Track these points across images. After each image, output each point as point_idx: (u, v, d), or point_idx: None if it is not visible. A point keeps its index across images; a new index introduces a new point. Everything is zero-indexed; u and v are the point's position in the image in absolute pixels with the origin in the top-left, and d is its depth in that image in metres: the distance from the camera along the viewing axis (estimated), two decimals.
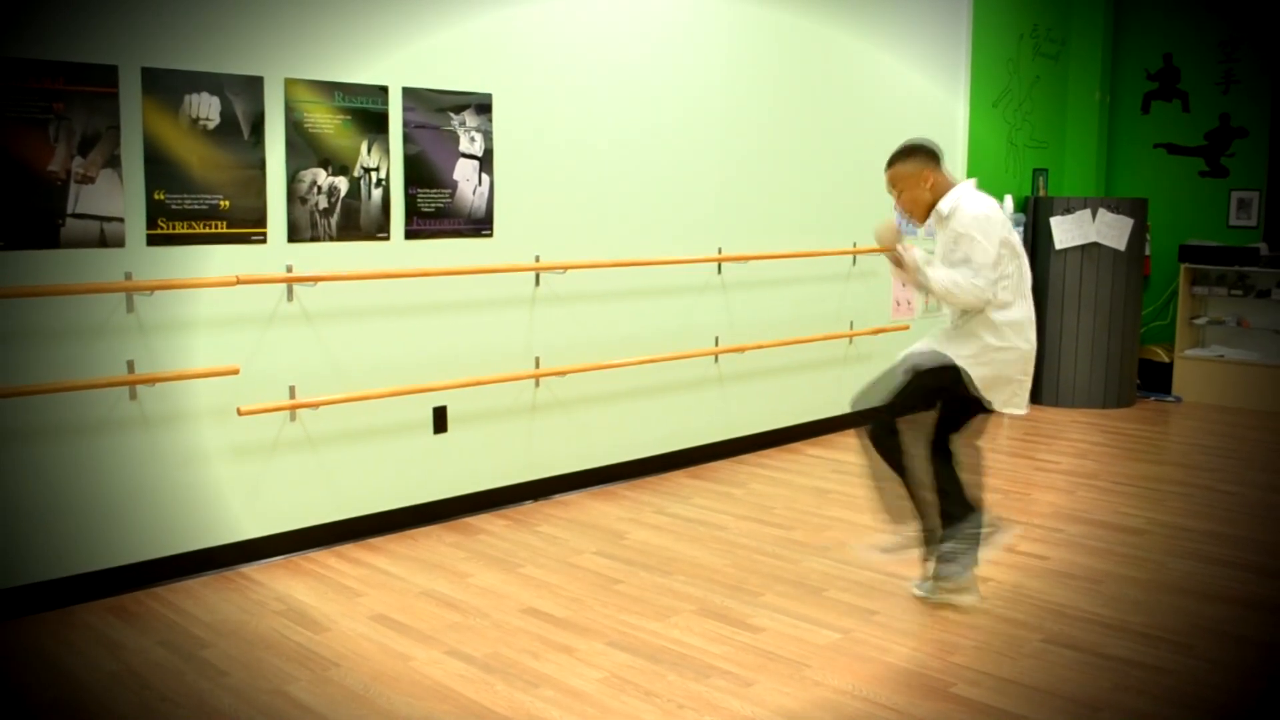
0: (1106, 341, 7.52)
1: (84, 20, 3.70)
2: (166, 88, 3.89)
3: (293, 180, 4.24)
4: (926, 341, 3.88)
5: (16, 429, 3.70)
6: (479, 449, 4.98)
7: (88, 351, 3.81)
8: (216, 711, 3.04)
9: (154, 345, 3.96)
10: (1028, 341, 3.77)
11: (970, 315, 3.75)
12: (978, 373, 3.71)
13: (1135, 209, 7.47)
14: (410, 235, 4.60)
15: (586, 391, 5.36)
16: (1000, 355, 3.71)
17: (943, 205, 3.75)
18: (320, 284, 4.35)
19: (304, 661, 3.37)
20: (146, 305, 3.93)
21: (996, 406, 3.78)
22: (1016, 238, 3.79)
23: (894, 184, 3.83)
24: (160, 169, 3.89)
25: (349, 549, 4.46)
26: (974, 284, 3.64)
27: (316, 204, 4.31)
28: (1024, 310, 3.77)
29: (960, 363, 3.70)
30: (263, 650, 3.46)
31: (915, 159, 3.79)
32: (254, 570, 4.21)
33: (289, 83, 4.19)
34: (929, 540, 3.87)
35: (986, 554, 3.86)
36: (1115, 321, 7.52)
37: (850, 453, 6.14)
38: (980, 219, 3.67)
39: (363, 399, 4.48)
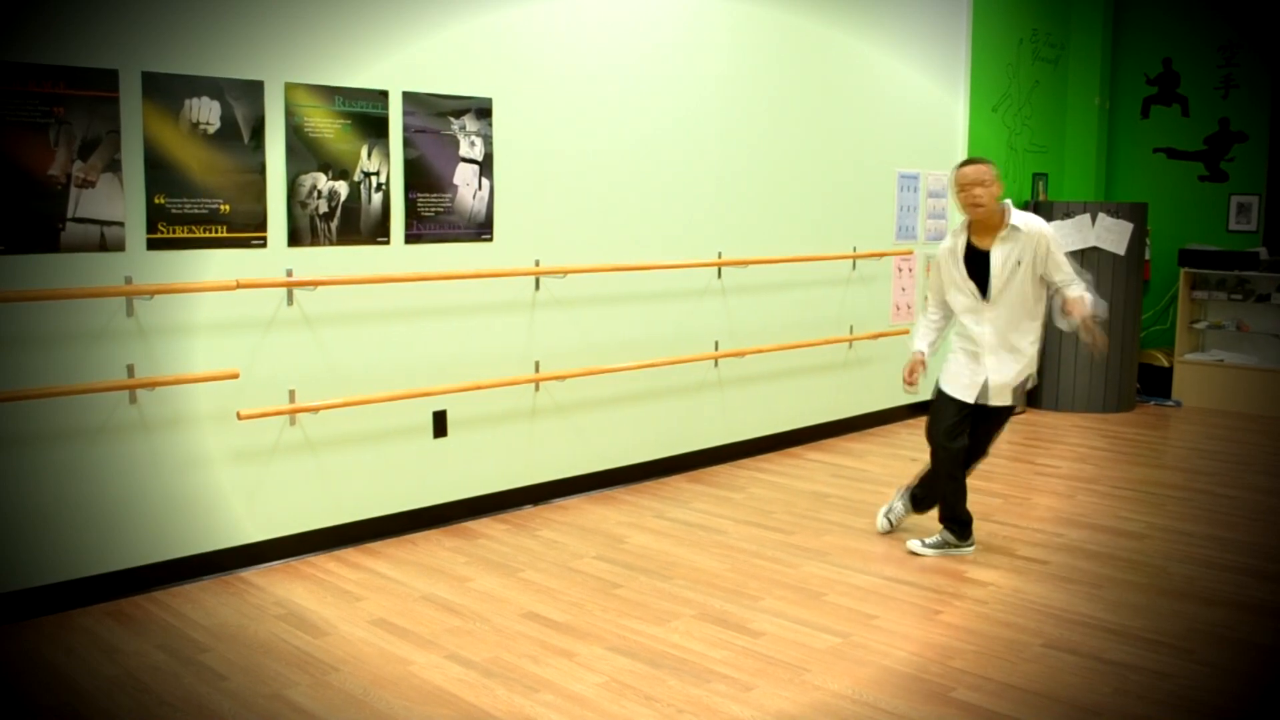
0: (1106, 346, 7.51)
1: (84, 24, 3.70)
2: (167, 92, 3.89)
3: (293, 184, 4.24)
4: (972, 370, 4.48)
5: (16, 433, 3.70)
6: (479, 453, 4.98)
7: (87, 356, 3.81)
8: (215, 716, 3.03)
9: (154, 349, 3.96)
10: None
11: (1023, 331, 4.59)
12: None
13: (1135, 213, 7.47)
14: (410, 239, 4.60)
15: (586, 396, 5.36)
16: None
17: (1015, 219, 4.43)
18: (320, 288, 4.35)
19: (303, 666, 3.37)
20: (146, 309, 3.93)
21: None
22: None
23: (979, 182, 4.29)
24: (160, 173, 3.90)
25: (349, 553, 4.46)
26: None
27: (317, 208, 4.31)
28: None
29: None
30: (262, 655, 3.45)
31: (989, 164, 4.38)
32: (253, 574, 4.21)
33: (289, 87, 4.20)
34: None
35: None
36: (1115, 326, 7.51)
37: (850, 456, 6.14)
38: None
39: (362, 403, 4.48)
